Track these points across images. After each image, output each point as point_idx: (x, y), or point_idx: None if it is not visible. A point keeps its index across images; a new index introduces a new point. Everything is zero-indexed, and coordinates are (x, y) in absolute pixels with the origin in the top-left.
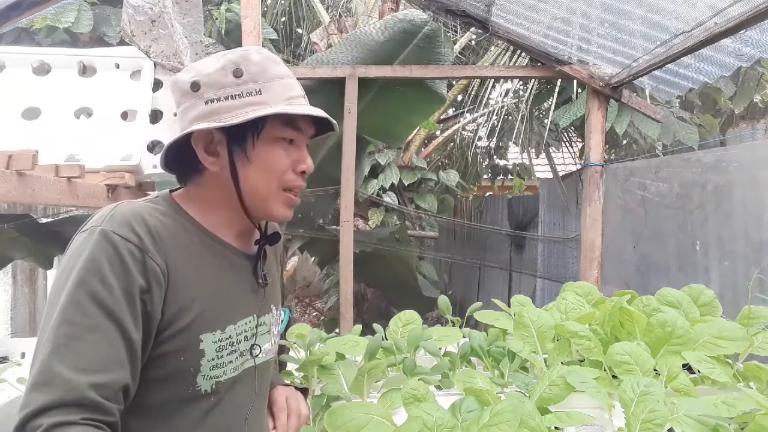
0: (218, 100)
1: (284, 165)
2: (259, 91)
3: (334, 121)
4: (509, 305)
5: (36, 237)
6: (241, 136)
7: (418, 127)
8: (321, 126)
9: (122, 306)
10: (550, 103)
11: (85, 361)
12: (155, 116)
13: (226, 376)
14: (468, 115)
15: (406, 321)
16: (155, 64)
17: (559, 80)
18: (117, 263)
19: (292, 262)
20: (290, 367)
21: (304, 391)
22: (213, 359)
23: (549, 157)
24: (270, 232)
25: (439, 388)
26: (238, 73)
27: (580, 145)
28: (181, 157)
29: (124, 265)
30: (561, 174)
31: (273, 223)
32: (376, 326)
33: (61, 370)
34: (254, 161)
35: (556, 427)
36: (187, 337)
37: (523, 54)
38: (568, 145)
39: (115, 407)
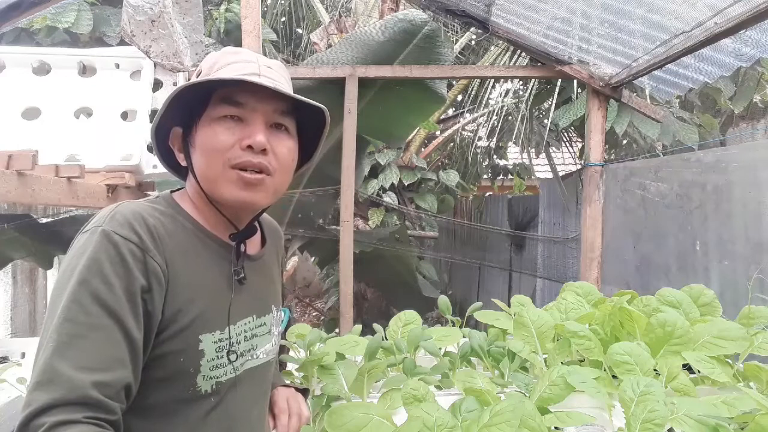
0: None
1: (225, 142)
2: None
3: (292, 94)
4: (509, 305)
5: (36, 237)
6: (189, 126)
7: (418, 127)
8: (314, 117)
9: (124, 305)
10: (550, 103)
11: (88, 360)
12: (155, 116)
13: (226, 377)
14: (468, 115)
15: (406, 321)
16: (155, 64)
17: (559, 80)
18: (118, 263)
19: (292, 262)
20: (290, 367)
21: (305, 392)
22: (213, 360)
23: (549, 157)
24: (268, 230)
25: (439, 388)
26: (198, 73)
27: (580, 145)
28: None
29: (126, 264)
30: (561, 174)
31: (272, 222)
32: (376, 326)
33: (64, 369)
34: (197, 145)
35: (556, 427)
36: (186, 337)
37: (523, 54)
38: (568, 145)
39: (117, 406)
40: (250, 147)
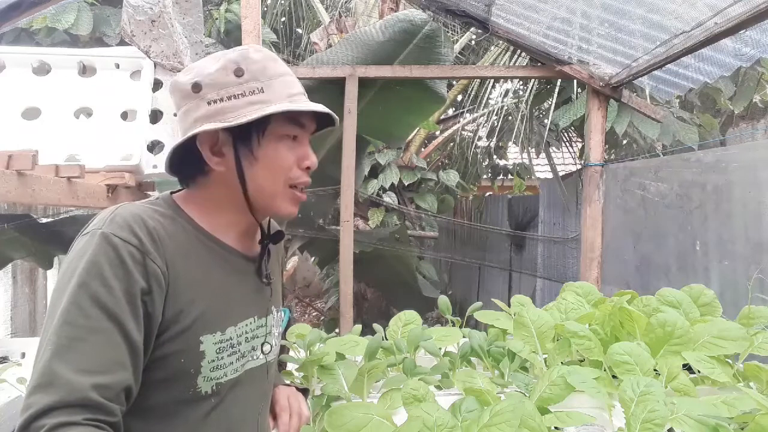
0: (221, 100)
1: (289, 162)
2: (261, 89)
3: (335, 116)
4: (509, 305)
5: (36, 237)
6: (246, 136)
7: (418, 127)
8: (321, 122)
9: (123, 307)
10: (550, 103)
11: (87, 363)
12: (155, 116)
13: (226, 378)
14: (468, 115)
15: (406, 321)
16: (155, 64)
17: (559, 80)
18: (118, 265)
19: (292, 262)
20: (290, 367)
21: (305, 392)
22: (213, 361)
23: (549, 157)
24: (273, 231)
25: (439, 388)
26: (239, 73)
27: (580, 145)
28: (183, 159)
29: (125, 267)
30: (561, 174)
31: (274, 223)
32: (376, 326)
33: (63, 372)
34: (261, 160)
35: (556, 427)
36: (187, 338)
37: (523, 54)
38: (568, 145)
39: (117, 408)
40: (308, 168)
